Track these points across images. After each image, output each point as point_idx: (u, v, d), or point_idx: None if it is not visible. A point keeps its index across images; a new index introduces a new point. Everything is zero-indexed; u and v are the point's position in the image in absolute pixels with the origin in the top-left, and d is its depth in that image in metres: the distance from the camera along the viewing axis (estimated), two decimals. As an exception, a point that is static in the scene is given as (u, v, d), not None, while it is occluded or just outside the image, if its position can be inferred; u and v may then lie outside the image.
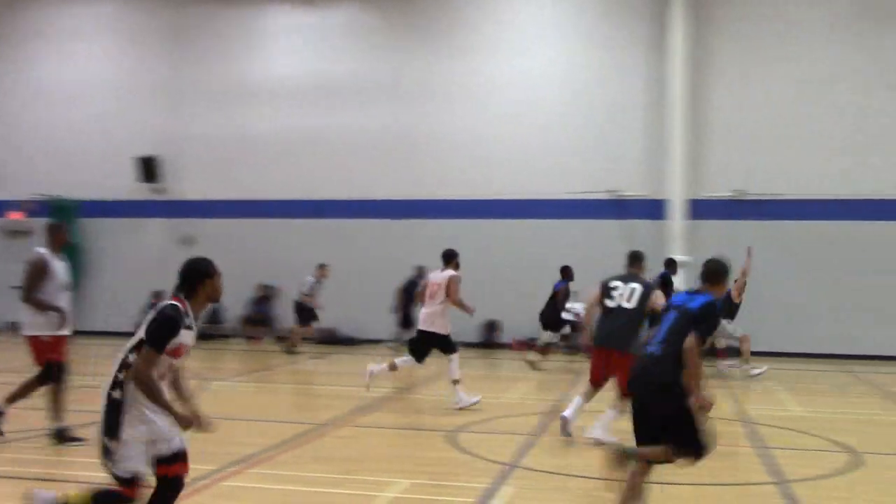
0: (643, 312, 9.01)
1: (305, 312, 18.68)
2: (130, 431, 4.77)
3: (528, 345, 19.33)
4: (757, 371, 14.61)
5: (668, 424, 5.67)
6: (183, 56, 22.00)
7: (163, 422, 4.86)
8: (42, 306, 8.28)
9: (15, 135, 22.57)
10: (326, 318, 20.48)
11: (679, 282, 18.85)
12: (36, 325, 8.33)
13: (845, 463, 8.27)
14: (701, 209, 19.30)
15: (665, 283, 14.36)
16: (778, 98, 19.13)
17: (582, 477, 7.57)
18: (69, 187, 21.62)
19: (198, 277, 5.08)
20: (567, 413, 9.19)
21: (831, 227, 18.70)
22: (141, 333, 4.86)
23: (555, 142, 20.01)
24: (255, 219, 21.41)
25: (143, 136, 21.71)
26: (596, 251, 19.60)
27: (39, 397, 8.51)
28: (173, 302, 4.98)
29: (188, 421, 4.97)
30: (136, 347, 4.83)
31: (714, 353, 14.42)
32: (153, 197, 21.84)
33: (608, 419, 8.85)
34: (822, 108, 18.92)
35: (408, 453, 8.51)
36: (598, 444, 8.49)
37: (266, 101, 21.48)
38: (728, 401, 12.14)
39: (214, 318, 21.37)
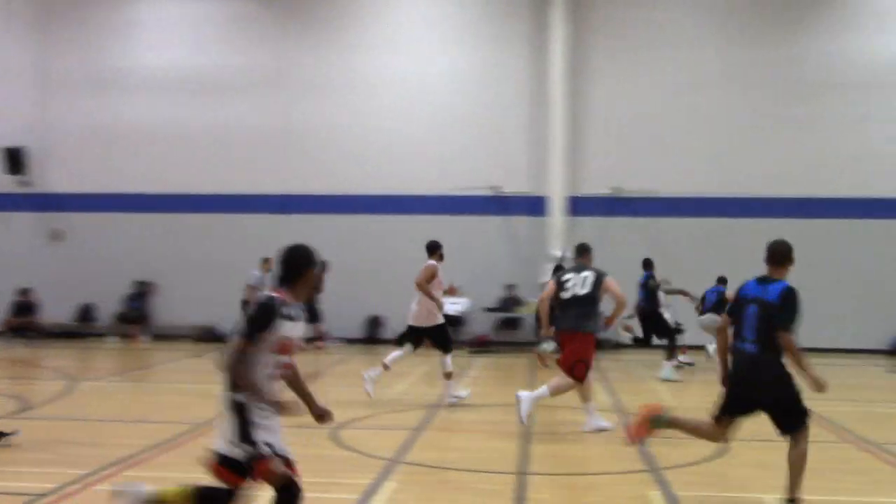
0: (597, 297, 9.51)
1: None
2: (262, 434, 4.68)
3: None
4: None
5: (782, 407, 6.13)
6: (51, 42, 21.07)
7: (273, 422, 4.76)
8: None
9: None
10: (205, 316, 20.09)
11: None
12: None
13: (714, 450, 8.63)
14: (580, 206, 19.80)
15: (647, 284, 15.17)
16: (651, 99, 19.81)
17: (463, 470, 7.65)
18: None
19: (303, 266, 4.82)
20: (590, 424, 9.49)
21: (704, 223, 19.50)
22: (237, 329, 4.67)
23: (437, 138, 20.14)
24: (129, 213, 20.71)
25: (8, 127, 20.70)
26: (478, 247, 19.91)
27: None
28: (271, 293, 4.72)
29: (287, 408, 4.80)
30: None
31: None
32: (19, 190, 20.85)
33: (540, 395, 9.30)
34: (693, 110, 19.71)
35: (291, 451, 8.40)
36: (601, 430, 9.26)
37: (141, 91, 20.80)
38: (604, 393, 12.51)
39: (86, 315, 20.63)
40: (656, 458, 8.12)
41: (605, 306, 9.82)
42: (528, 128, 20.06)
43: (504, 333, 19.75)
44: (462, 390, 11.59)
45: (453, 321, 19.04)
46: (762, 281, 6.30)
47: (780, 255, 6.33)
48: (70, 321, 20.33)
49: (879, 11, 19.63)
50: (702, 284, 16.21)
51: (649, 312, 14.99)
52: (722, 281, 16.22)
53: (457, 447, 8.76)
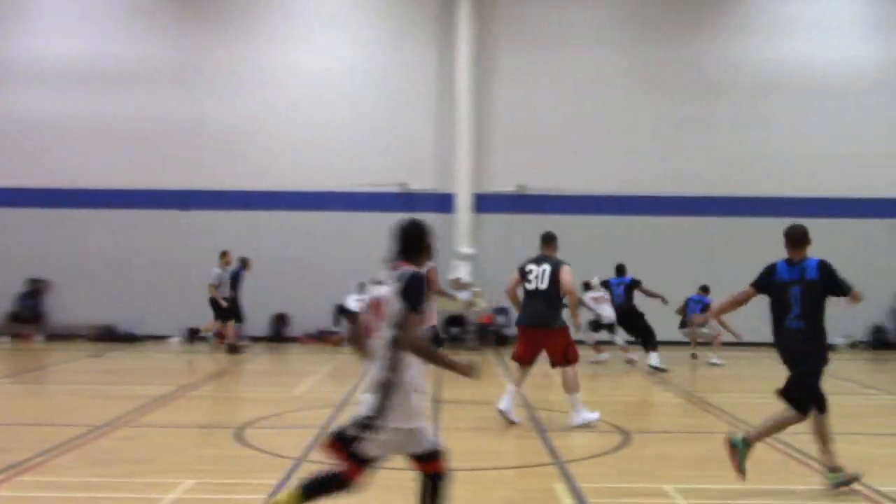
0: (558, 290, 9.66)
1: (217, 307, 17.44)
2: (393, 419, 4.71)
3: (317, 338, 19.28)
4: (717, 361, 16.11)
5: (797, 378, 6.81)
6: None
7: (421, 411, 4.84)
8: None
9: None
10: (104, 314, 19.57)
11: (465, 273, 19.48)
12: None
13: (617, 442, 8.82)
14: (486, 203, 19.97)
15: (633, 285, 15.90)
16: (555, 98, 20.12)
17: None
18: None
19: (423, 238, 5.00)
20: (502, 405, 9.62)
21: (606, 221, 19.91)
22: (394, 307, 4.76)
23: (345, 135, 20.01)
24: (21, 208, 19.93)
25: None
26: (385, 244, 19.85)
27: None
28: (409, 268, 4.88)
29: (468, 368, 4.89)
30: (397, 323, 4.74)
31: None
32: None
33: (577, 402, 9.62)
34: (595, 109, 20.11)
35: (193, 452, 8.23)
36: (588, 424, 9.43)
37: (36, 82, 20.03)
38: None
39: (-25, 315, 19.83)
40: (561, 452, 8.24)
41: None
42: (435, 125, 20.12)
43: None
44: None
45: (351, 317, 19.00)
46: (791, 263, 6.94)
47: (799, 237, 6.97)
48: None
49: (774, 19, 20.34)
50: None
51: (628, 312, 15.60)
52: (705, 290, 16.85)
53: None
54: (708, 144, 20.10)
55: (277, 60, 20.14)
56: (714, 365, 15.96)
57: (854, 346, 19.52)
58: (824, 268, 6.85)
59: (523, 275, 9.89)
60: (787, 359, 6.96)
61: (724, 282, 18.98)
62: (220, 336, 17.80)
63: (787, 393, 6.91)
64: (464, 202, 19.80)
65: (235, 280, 17.96)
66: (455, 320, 19.45)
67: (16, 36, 20.14)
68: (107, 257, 19.70)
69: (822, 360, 6.88)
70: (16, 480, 6.95)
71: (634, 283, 16.13)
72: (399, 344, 4.76)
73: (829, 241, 19.56)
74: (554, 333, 9.66)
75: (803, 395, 6.85)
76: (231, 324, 17.47)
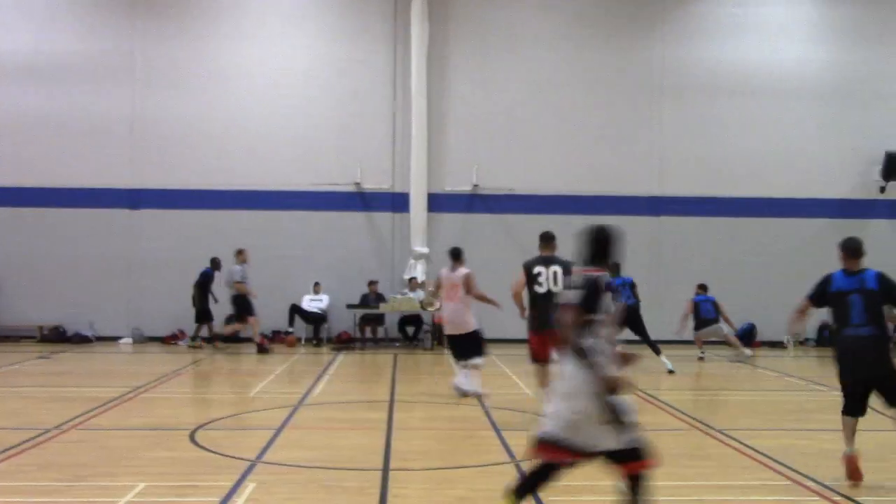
0: None
1: (244, 303, 17.46)
2: (567, 403, 4.97)
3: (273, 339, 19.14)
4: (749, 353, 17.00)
5: (891, 382, 7.06)
6: None
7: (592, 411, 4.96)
8: None
9: None
10: (52, 315, 19.25)
11: (420, 273, 19.49)
12: None
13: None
14: (441, 203, 19.99)
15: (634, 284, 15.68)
16: (509, 98, 20.23)
17: (327, 468, 7.60)
18: None
19: (613, 243, 5.20)
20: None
21: (559, 220, 19.92)
22: (580, 310, 4.97)
23: (299, 133, 19.90)
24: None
25: None
26: (340, 243, 19.83)
27: None
28: (593, 273, 5.09)
29: (632, 357, 5.20)
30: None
31: None
32: None
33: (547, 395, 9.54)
34: (549, 109, 20.26)
35: (145, 454, 8.12)
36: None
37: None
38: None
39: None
40: (516, 450, 8.29)
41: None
42: (389, 124, 20.10)
43: (366, 330, 19.66)
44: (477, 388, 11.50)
45: (316, 318, 18.95)
46: (849, 273, 7.30)
47: (858, 249, 7.39)
48: None
49: (725, 21, 20.64)
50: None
51: (636, 313, 15.40)
52: (704, 288, 17.15)
53: (319, 445, 8.68)
54: (660, 145, 20.35)
55: (230, 58, 19.95)
56: (749, 358, 16.70)
57: (802, 343, 19.94)
58: (883, 276, 7.23)
59: (531, 277, 9.87)
60: (854, 364, 7.17)
61: (677, 281, 19.42)
62: (215, 338, 18.06)
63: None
64: (418, 201, 19.78)
65: (207, 281, 17.95)
66: (410, 320, 19.44)
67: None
68: (55, 257, 19.37)
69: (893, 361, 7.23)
70: (-38, 486, 6.81)
71: (633, 283, 15.82)
72: (589, 347, 5.00)
73: (776, 241, 20.16)
74: None
75: None
76: (254, 319, 17.75)
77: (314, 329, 19.22)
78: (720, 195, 20.17)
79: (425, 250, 19.58)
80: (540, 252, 10.22)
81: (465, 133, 20.16)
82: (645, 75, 20.42)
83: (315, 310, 19.15)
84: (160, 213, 19.67)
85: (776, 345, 19.48)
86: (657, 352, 15.09)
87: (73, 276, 19.32)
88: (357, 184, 19.83)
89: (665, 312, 18.02)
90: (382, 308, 18.86)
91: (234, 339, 18.37)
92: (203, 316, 18.10)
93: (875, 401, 7.25)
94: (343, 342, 19.31)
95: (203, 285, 18.04)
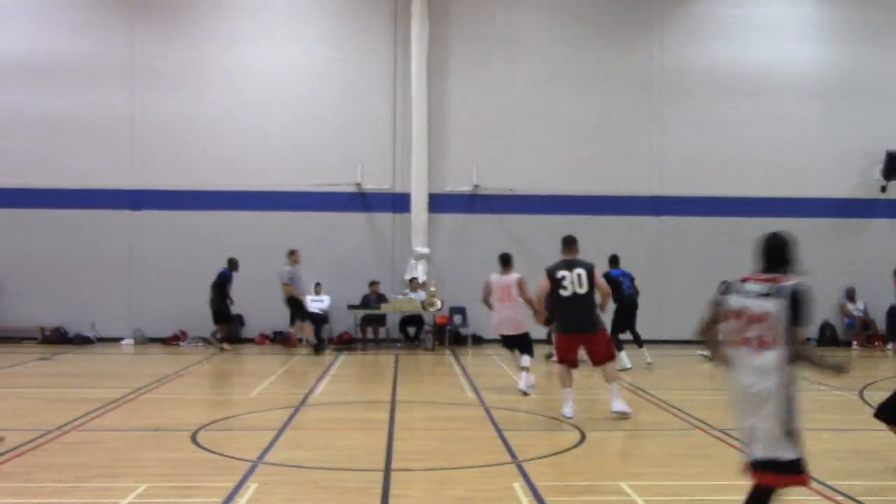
0: (593, 292, 10.07)
1: (294, 305, 17.50)
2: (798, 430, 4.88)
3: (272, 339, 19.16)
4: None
5: None
6: None
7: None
8: None
9: None
10: (53, 316, 19.28)
11: (421, 273, 19.51)
12: None
13: (574, 441, 8.90)
14: (441, 203, 20.00)
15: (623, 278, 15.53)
16: (508, 99, 20.23)
17: (328, 468, 7.61)
18: None
19: (790, 249, 5.17)
20: (566, 411, 10.01)
21: (559, 220, 20.00)
22: (779, 317, 4.89)
23: (299, 134, 19.90)
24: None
25: None
26: (341, 244, 19.85)
27: None
28: (789, 281, 5.00)
29: (843, 366, 5.17)
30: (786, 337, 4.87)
31: None
32: None
33: (616, 390, 10.08)
34: (549, 109, 20.25)
35: (147, 455, 8.13)
36: (624, 416, 9.78)
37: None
38: (469, 389, 12.71)
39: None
40: (517, 451, 8.30)
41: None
42: (389, 125, 20.10)
43: (367, 330, 19.66)
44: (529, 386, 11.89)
45: (318, 319, 18.93)
46: None
47: None
48: None
49: (723, 21, 20.64)
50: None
51: (632, 306, 15.39)
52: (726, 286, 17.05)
53: (321, 446, 8.70)
54: (659, 145, 20.35)
55: (231, 58, 19.96)
56: None
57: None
58: None
59: (555, 282, 10.07)
60: None
61: (674, 281, 19.45)
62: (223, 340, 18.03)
63: None
64: (419, 202, 19.78)
65: (225, 282, 17.89)
66: (411, 320, 19.45)
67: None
68: (56, 258, 19.39)
69: None
70: (-36, 487, 6.83)
71: (632, 276, 15.80)
72: (793, 358, 4.93)
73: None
74: (598, 336, 10.11)
75: None
76: (304, 323, 17.82)
77: (315, 330, 19.20)
78: (720, 195, 20.18)
79: (426, 250, 19.60)
80: (562, 255, 10.40)
81: (465, 133, 20.17)
82: (645, 75, 20.43)
83: (317, 310, 19.15)
84: (161, 214, 19.68)
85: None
86: (640, 345, 15.35)
87: (73, 277, 19.33)
88: (357, 184, 19.85)
89: (665, 312, 18.05)
90: (384, 308, 18.86)
91: (299, 341, 18.37)
92: (220, 317, 18.03)
93: (875, 401, 7.27)
94: (344, 343, 19.31)
95: (220, 286, 17.97)
